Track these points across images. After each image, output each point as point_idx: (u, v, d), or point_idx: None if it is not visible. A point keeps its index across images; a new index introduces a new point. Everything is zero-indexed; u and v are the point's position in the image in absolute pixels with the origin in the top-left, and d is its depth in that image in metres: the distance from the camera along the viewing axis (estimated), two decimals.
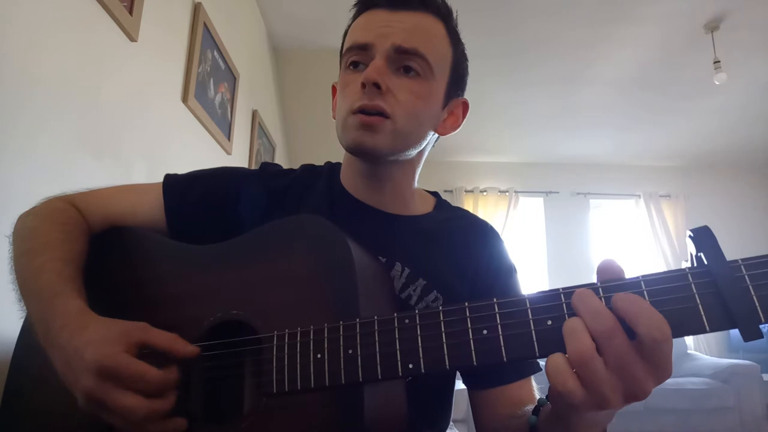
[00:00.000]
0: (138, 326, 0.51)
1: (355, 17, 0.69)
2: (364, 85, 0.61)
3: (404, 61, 0.63)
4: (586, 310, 0.37)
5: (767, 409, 3.16)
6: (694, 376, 3.37)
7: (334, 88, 0.75)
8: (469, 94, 0.75)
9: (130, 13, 1.35)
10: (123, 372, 0.46)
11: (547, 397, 0.46)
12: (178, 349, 0.50)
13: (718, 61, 2.94)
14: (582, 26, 2.89)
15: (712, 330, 0.36)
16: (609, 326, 0.36)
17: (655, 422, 3.06)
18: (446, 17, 0.69)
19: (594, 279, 0.41)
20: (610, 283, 0.39)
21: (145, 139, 1.49)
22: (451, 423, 0.74)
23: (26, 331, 0.65)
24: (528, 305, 0.41)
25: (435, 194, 0.80)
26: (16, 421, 0.61)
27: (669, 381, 3.46)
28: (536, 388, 0.66)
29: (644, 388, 0.36)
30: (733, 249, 0.35)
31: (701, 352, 4.16)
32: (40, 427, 0.60)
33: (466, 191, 4.69)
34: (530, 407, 0.53)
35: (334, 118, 0.71)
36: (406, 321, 0.44)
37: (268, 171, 0.76)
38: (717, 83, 3.00)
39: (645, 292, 0.38)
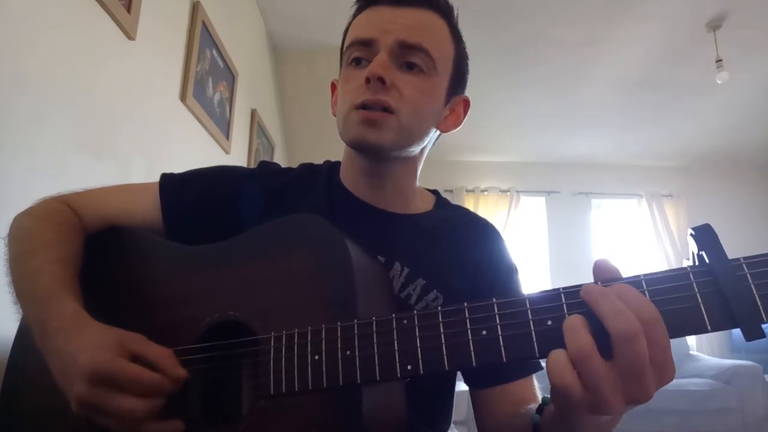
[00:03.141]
0: (134, 336, 0.51)
1: (356, 13, 0.69)
2: (368, 80, 0.61)
3: (408, 56, 0.63)
4: (610, 310, 0.36)
5: None
6: (696, 377, 3.36)
7: (333, 85, 0.75)
8: (469, 93, 0.75)
9: (128, 11, 1.34)
10: (118, 376, 0.46)
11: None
12: (168, 369, 0.49)
13: (720, 60, 2.93)
14: (583, 24, 2.88)
15: (713, 330, 0.35)
16: (635, 329, 0.35)
17: (657, 423, 3.06)
18: (448, 15, 0.69)
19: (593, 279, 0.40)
20: (611, 283, 0.38)
21: (143, 138, 1.49)
22: (451, 424, 0.73)
23: (23, 332, 0.65)
24: (528, 305, 0.40)
25: (435, 192, 0.80)
26: (14, 421, 0.61)
27: (671, 382, 3.49)
28: (537, 386, 0.66)
29: (648, 391, 0.36)
30: (735, 249, 0.35)
31: (703, 352, 4.15)
32: (37, 427, 0.59)
33: (467, 191, 4.68)
34: (533, 406, 0.53)
35: (334, 115, 0.70)
36: (405, 322, 0.44)
37: (267, 170, 0.75)
38: (719, 82, 2.99)
39: (646, 292, 0.37)
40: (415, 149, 0.68)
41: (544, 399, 0.51)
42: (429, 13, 0.66)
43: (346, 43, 0.68)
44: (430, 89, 0.65)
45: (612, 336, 0.35)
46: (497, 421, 0.64)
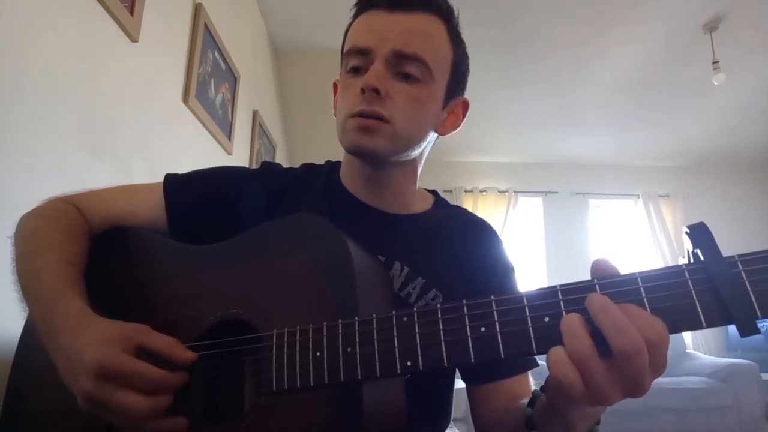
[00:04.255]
0: (139, 329, 0.51)
1: (355, 17, 0.69)
2: (363, 91, 0.62)
3: (403, 66, 0.63)
4: (612, 326, 0.36)
5: (766, 408, 3.16)
6: (692, 375, 3.37)
7: (335, 86, 0.75)
8: (466, 92, 0.75)
9: (131, 13, 1.35)
10: (123, 371, 0.46)
11: (542, 389, 0.47)
12: (177, 355, 0.50)
13: (717, 62, 2.94)
14: (580, 24, 2.88)
15: (709, 326, 0.36)
16: (639, 347, 0.35)
17: (654, 421, 3.06)
18: (447, 17, 0.68)
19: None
20: (607, 280, 0.39)
21: (145, 140, 1.49)
22: (450, 422, 0.74)
23: (29, 331, 0.65)
24: (525, 302, 0.41)
25: (433, 192, 0.81)
26: (20, 420, 0.61)
27: (668, 380, 3.44)
28: (533, 383, 0.66)
29: (645, 388, 0.37)
30: (732, 249, 0.36)
31: (700, 351, 4.16)
32: (43, 426, 0.60)
33: (466, 191, 4.69)
34: (526, 400, 0.54)
35: (336, 116, 0.71)
36: (405, 319, 0.44)
37: (269, 170, 0.76)
38: (716, 83, 3.00)
39: (642, 289, 0.38)
40: (413, 153, 0.69)
41: (534, 392, 0.51)
42: (427, 16, 0.66)
43: (345, 49, 0.68)
44: (425, 97, 0.65)
45: (613, 351, 0.35)
46: (492, 416, 0.64)
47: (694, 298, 0.37)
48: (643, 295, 0.38)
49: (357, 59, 0.65)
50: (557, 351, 0.37)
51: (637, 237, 4.69)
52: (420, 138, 0.68)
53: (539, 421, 0.49)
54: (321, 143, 3.16)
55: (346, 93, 0.66)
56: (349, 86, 0.65)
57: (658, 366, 0.37)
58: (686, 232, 0.38)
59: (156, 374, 0.47)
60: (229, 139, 2.24)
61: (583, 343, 0.36)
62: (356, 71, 0.65)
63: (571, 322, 0.37)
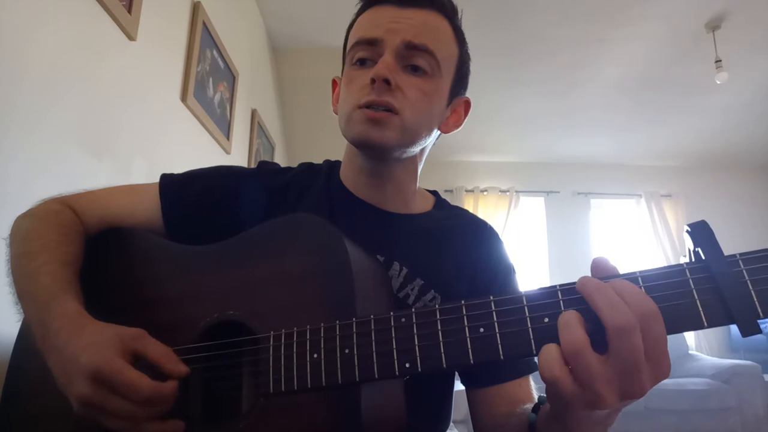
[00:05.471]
0: (135, 333, 0.50)
1: (360, 11, 0.69)
2: (373, 81, 0.61)
3: (413, 58, 0.63)
4: (607, 303, 0.36)
5: None
6: (695, 377, 3.36)
7: (334, 82, 0.75)
8: (468, 91, 0.75)
9: (129, 11, 1.35)
10: (115, 378, 0.46)
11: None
12: (169, 366, 0.49)
13: (720, 61, 2.94)
14: (582, 23, 2.88)
15: (710, 326, 0.35)
16: (631, 322, 0.35)
17: (656, 422, 3.06)
18: (452, 16, 0.69)
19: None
20: (608, 279, 0.38)
21: (143, 138, 1.49)
22: (451, 424, 0.73)
23: (24, 333, 0.65)
24: (525, 303, 0.40)
25: (434, 193, 0.80)
26: (15, 423, 0.61)
27: (670, 381, 3.44)
28: (534, 387, 0.66)
29: (643, 386, 0.36)
30: (735, 249, 0.35)
31: (702, 352, 4.15)
32: (38, 429, 0.59)
33: (467, 191, 4.69)
34: (529, 405, 0.53)
35: (335, 113, 0.70)
36: (403, 320, 0.44)
37: (266, 169, 0.76)
38: (718, 83, 3.00)
39: (642, 288, 0.37)
40: (416, 149, 0.69)
41: (540, 398, 0.51)
42: (434, 14, 0.66)
43: (351, 42, 0.67)
44: (433, 91, 0.65)
45: (608, 329, 0.35)
46: (493, 421, 0.64)
47: (696, 297, 0.36)
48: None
49: (364, 50, 0.65)
50: (549, 348, 0.37)
51: (640, 237, 4.68)
52: (426, 133, 0.67)
53: (542, 428, 0.48)
54: (320, 142, 3.16)
55: (352, 85, 0.65)
56: (355, 78, 0.65)
57: (657, 361, 0.35)
58: (687, 231, 0.38)
59: (148, 387, 0.46)
60: (228, 138, 2.24)
61: (578, 336, 0.36)
62: (363, 63, 0.65)
63: (568, 318, 0.37)
